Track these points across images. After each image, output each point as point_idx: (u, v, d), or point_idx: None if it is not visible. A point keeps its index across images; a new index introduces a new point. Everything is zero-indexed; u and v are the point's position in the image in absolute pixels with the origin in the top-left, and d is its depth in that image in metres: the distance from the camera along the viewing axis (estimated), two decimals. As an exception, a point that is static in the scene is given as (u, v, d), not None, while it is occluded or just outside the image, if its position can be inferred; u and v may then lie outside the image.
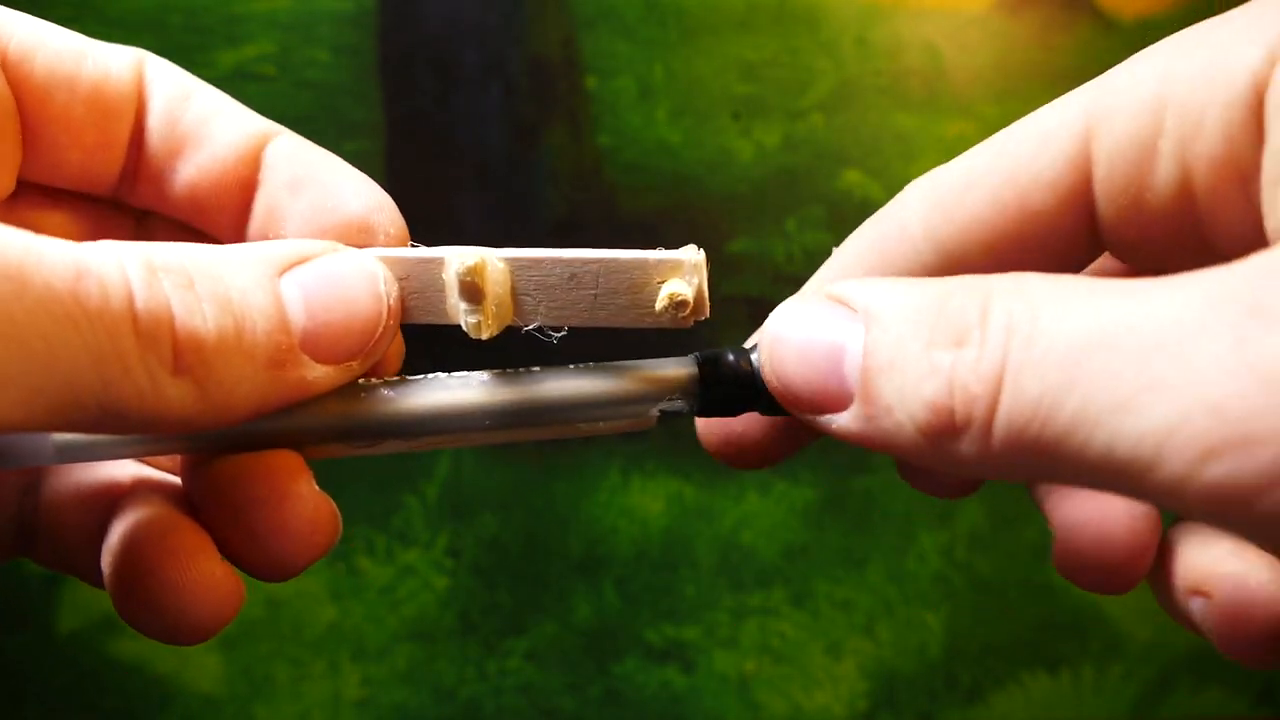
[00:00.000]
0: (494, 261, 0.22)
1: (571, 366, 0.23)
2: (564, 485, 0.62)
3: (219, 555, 0.22)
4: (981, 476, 0.19)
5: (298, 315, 0.21)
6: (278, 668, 0.61)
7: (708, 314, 0.22)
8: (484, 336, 0.22)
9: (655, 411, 0.23)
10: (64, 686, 0.60)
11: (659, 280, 0.22)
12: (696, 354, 0.23)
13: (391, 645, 0.62)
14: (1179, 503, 0.15)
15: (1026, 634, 0.63)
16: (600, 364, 0.23)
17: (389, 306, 0.22)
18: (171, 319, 0.19)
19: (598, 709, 0.62)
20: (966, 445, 0.17)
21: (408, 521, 0.61)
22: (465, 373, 0.23)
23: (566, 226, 0.60)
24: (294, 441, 0.22)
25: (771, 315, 0.22)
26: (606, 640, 0.62)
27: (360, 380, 0.23)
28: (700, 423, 0.26)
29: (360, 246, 0.23)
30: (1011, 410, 0.17)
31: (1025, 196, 0.22)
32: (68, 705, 0.60)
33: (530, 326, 0.23)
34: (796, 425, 0.24)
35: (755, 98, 0.61)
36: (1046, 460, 0.16)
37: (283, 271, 0.21)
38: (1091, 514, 0.24)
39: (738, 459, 0.26)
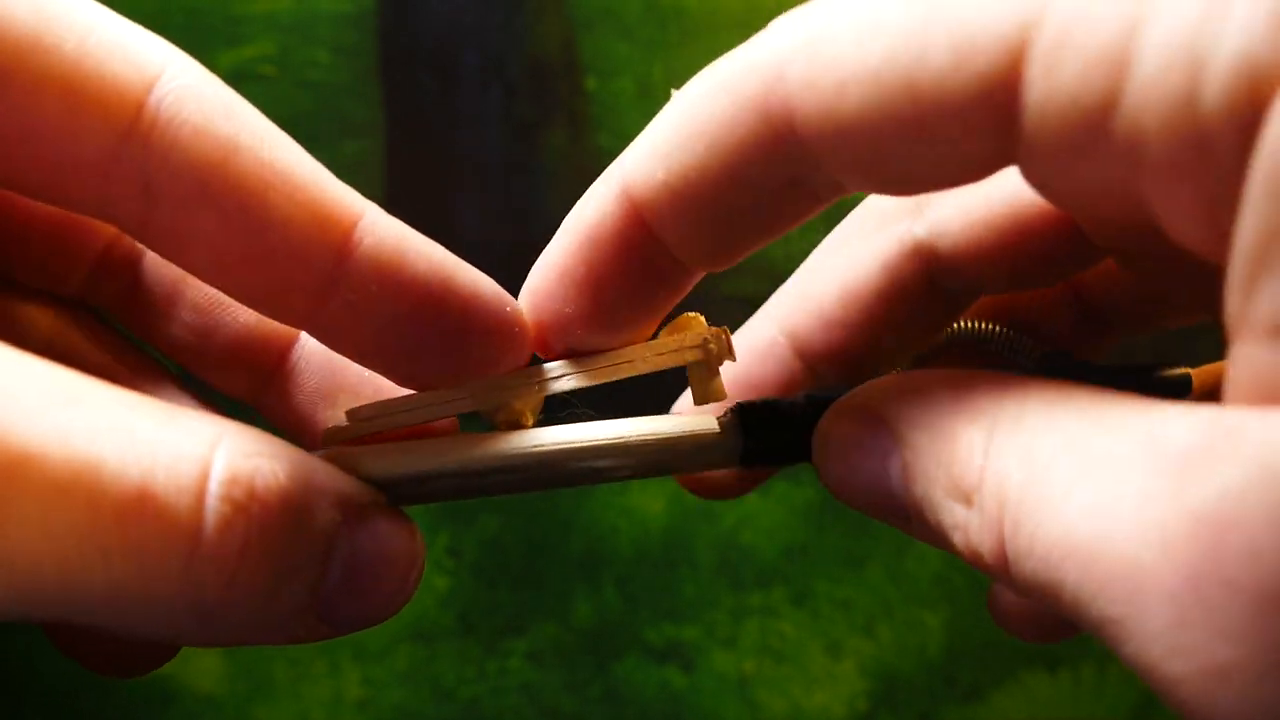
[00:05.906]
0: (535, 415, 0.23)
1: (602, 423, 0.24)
2: (564, 485, 0.62)
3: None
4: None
5: (334, 577, 0.19)
6: (278, 668, 0.61)
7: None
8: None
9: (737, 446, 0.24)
10: (64, 687, 0.60)
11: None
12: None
13: (391, 645, 0.62)
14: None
15: (1026, 634, 0.63)
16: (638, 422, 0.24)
17: (407, 594, 0.21)
18: (259, 553, 0.17)
19: (598, 708, 0.62)
20: (1007, 584, 0.18)
21: (408, 521, 0.61)
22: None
23: (566, 226, 0.61)
24: None
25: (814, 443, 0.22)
26: (606, 640, 0.62)
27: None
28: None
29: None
30: (1020, 575, 0.17)
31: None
32: (68, 706, 0.60)
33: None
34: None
35: (755, 98, 0.61)
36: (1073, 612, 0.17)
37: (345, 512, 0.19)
38: None
39: (708, 494, 0.28)
